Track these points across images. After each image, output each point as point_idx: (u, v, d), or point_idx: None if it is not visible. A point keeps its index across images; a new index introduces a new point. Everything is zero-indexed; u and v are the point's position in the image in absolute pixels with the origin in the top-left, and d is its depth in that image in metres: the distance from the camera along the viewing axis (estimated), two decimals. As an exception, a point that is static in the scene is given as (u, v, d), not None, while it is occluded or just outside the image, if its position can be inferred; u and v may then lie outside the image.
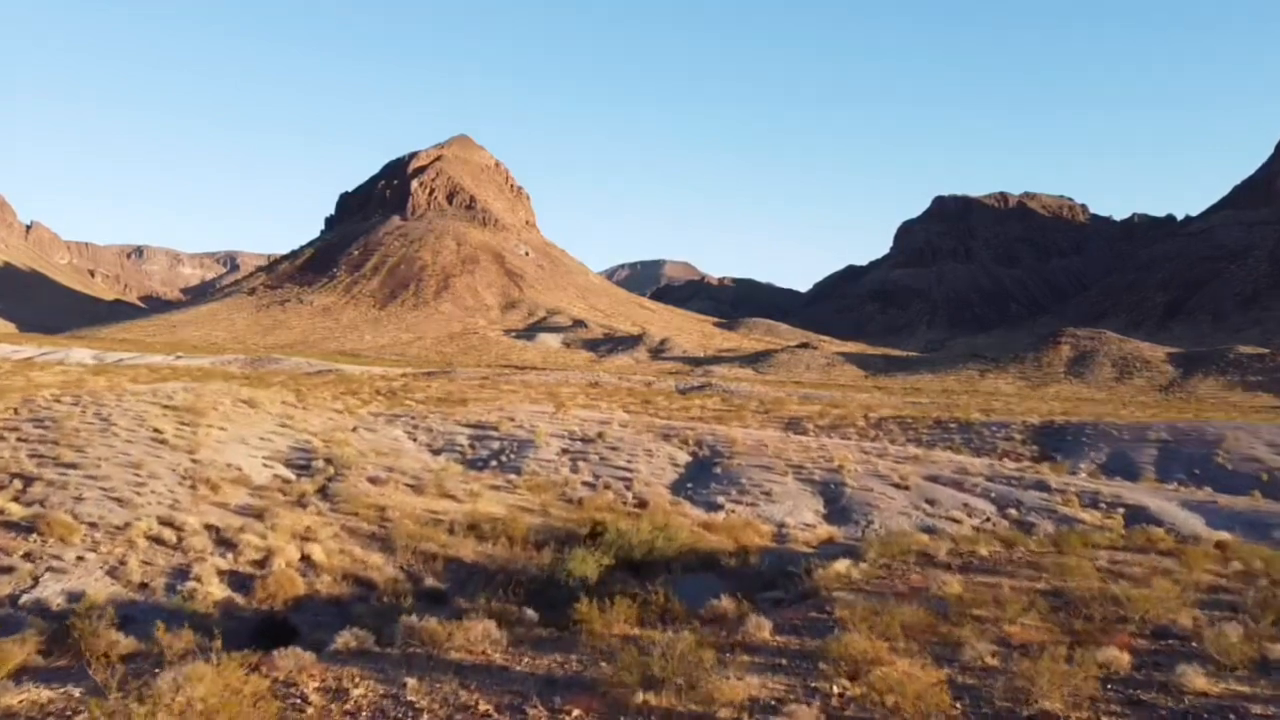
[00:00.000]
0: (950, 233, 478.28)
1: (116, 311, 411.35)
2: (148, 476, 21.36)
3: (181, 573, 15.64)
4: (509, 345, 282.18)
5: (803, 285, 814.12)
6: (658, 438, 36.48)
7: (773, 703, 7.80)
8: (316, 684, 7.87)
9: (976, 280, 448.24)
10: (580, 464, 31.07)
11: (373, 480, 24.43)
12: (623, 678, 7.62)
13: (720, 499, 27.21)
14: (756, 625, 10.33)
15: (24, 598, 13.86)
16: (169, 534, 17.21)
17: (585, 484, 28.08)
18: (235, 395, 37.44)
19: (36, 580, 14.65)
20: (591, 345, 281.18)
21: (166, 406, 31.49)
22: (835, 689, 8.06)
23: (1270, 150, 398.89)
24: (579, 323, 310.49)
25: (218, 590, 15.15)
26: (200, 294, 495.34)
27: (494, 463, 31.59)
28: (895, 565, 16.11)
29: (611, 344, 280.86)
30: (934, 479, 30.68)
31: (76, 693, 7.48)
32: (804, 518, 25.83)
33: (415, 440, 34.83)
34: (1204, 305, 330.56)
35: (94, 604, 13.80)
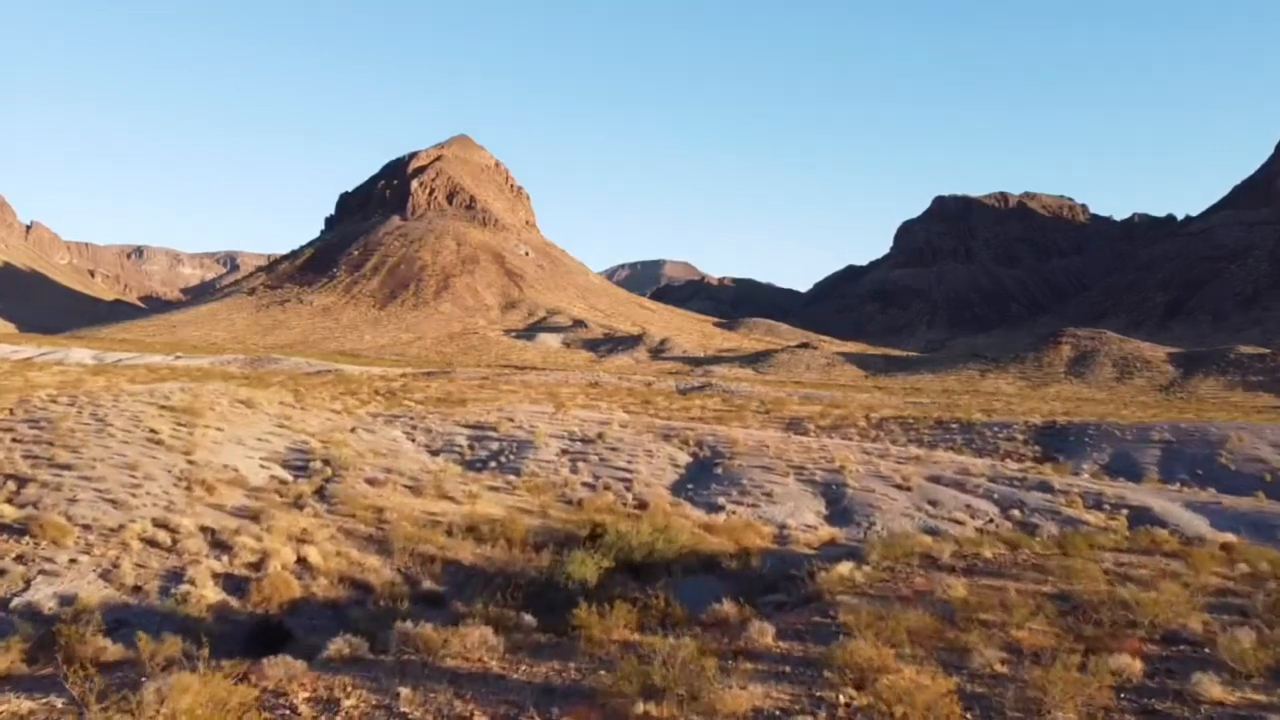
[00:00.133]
0: (950, 233, 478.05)
1: (116, 312, 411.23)
2: (143, 478, 21.15)
3: (176, 575, 15.42)
4: (509, 345, 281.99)
5: (803, 285, 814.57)
6: (658, 438, 36.26)
7: (777, 713, 7.59)
8: (307, 694, 7.65)
9: (977, 280, 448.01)
10: (580, 465, 30.86)
11: (371, 481, 24.22)
12: (622, 687, 7.39)
13: (721, 500, 27.00)
14: (759, 631, 10.10)
15: (15, 601, 13.64)
16: (164, 536, 16.99)
17: (585, 485, 27.87)
18: (233, 396, 37.23)
19: (28, 583, 14.43)
20: (591, 345, 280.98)
21: (163, 407, 31.27)
22: (841, 699, 7.84)
23: (1270, 150, 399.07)
24: (579, 323, 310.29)
25: (212, 593, 14.93)
26: (200, 294, 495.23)
27: (493, 464, 31.38)
28: (899, 568, 15.89)
29: (611, 344, 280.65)
30: (936, 480, 30.46)
31: (59, 703, 7.23)
32: (805, 519, 25.62)
33: (414, 441, 34.62)
34: (1204, 305, 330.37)
35: (86, 607, 13.60)
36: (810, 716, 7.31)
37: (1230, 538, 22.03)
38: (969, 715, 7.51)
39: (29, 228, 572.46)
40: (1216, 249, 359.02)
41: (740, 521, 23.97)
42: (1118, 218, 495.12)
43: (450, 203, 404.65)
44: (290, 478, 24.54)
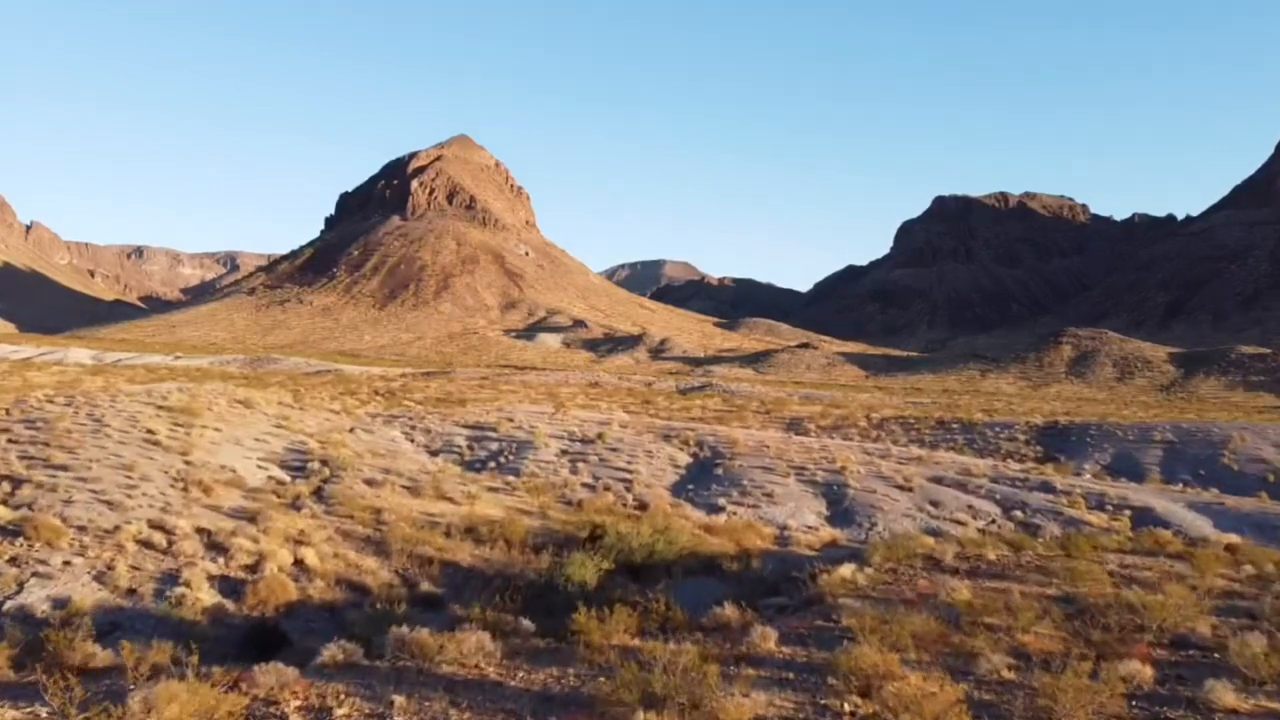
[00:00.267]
0: (951, 233, 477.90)
1: (116, 312, 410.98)
2: (139, 478, 20.96)
3: (171, 578, 15.26)
4: (509, 345, 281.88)
5: (803, 285, 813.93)
6: (658, 438, 36.10)
7: (781, 722, 7.41)
8: (299, 702, 7.46)
9: (977, 280, 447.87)
10: (580, 465, 30.69)
11: (369, 482, 24.05)
12: (622, 696, 7.20)
13: (721, 501, 26.84)
14: (762, 636, 9.92)
15: (7, 604, 13.47)
16: (159, 538, 16.81)
17: (585, 485, 27.71)
18: (231, 396, 37.06)
19: (21, 586, 14.26)
20: (591, 345, 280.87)
21: (160, 407, 31.10)
22: (847, 707, 7.65)
23: (1270, 150, 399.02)
24: (579, 323, 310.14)
25: (207, 596, 14.76)
26: (200, 294, 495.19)
27: (492, 464, 31.22)
28: (901, 570, 15.73)
29: (611, 344, 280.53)
30: (938, 480, 30.29)
31: (43, 713, 7.04)
32: (806, 520, 25.46)
33: (413, 441, 34.46)
34: (1205, 305, 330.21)
35: (79, 610, 13.42)
36: (815, 725, 7.13)
37: (1234, 539, 21.89)
38: (978, 724, 7.33)
39: (29, 228, 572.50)
40: (1217, 249, 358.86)
41: (741, 522, 23.81)
42: (1118, 218, 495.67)
43: (450, 203, 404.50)
44: (288, 478, 24.37)
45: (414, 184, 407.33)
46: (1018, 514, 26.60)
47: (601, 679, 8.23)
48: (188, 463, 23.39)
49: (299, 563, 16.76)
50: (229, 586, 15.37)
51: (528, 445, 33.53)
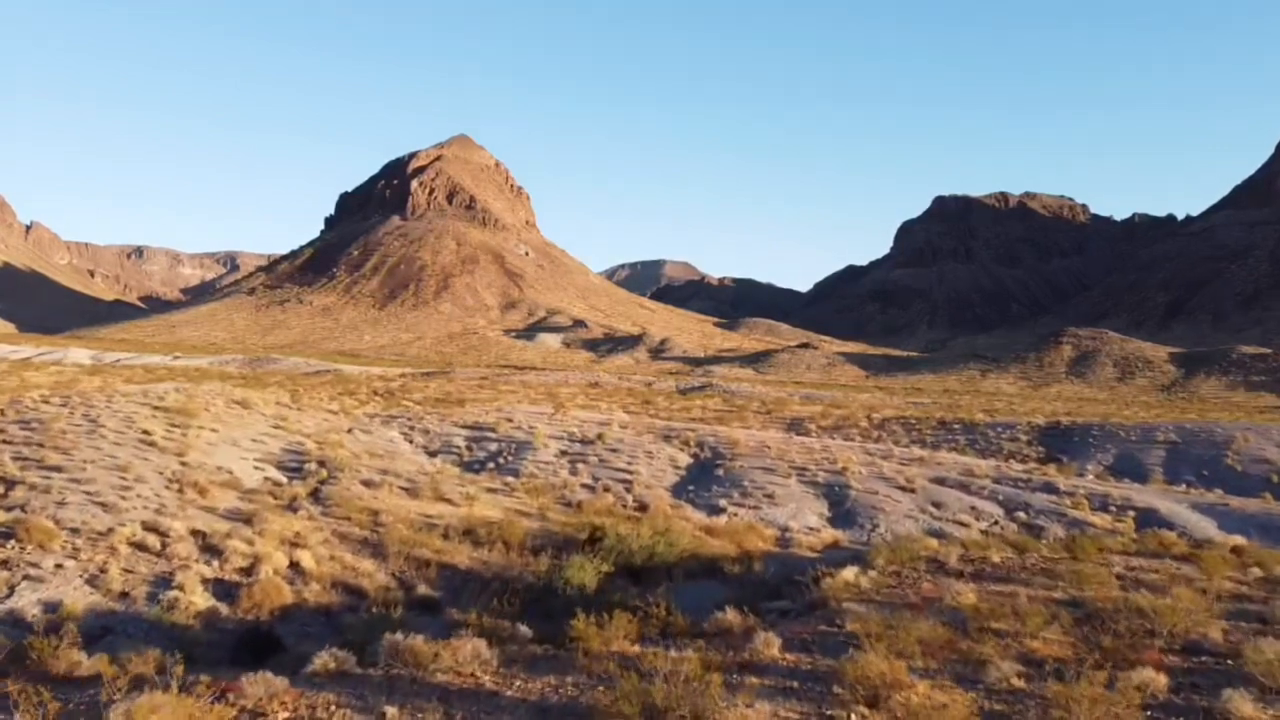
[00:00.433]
0: (951, 233, 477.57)
1: (116, 312, 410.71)
2: (134, 480, 20.75)
3: (164, 581, 15.05)
4: (509, 345, 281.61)
5: (803, 285, 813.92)
6: (658, 439, 35.86)
7: (786, 733, 7.18)
8: (287, 714, 7.23)
9: (977, 280, 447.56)
10: (579, 466, 30.47)
11: (366, 483, 23.83)
12: (622, 707, 6.96)
13: (722, 502, 26.62)
14: (765, 642, 9.68)
15: (-3, 608, 13.25)
16: (153, 540, 16.60)
17: (584, 486, 27.48)
18: (228, 396, 36.83)
19: (12, 589, 14.05)
20: (591, 345, 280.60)
21: (157, 408, 30.87)
22: (854, 718, 7.43)
23: (1270, 150, 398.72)
24: (579, 323, 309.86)
25: (201, 600, 14.54)
26: (200, 294, 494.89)
27: (491, 465, 31.00)
28: (905, 573, 15.49)
29: (611, 344, 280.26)
30: (940, 481, 30.07)
31: (24, 725, 6.85)
32: (808, 521, 25.24)
33: (411, 442, 34.23)
34: (1205, 305, 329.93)
35: (70, 614, 13.19)
36: (821, 738, 6.90)
37: (1240, 540, 21.66)
38: (990, 736, 7.09)
39: (29, 228, 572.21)
40: (1217, 249, 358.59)
41: (742, 524, 23.59)
42: (1118, 218, 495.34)
43: (450, 203, 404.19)
44: (285, 480, 24.15)
45: (414, 184, 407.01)
46: (1021, 515, 26.38)
47: (600, 688, 7.99)
48: (183, 464, 23.17)
49: (294, 565, 16.55)
50: (223, 590, 15.16)
51: (527, 446, 33.30)
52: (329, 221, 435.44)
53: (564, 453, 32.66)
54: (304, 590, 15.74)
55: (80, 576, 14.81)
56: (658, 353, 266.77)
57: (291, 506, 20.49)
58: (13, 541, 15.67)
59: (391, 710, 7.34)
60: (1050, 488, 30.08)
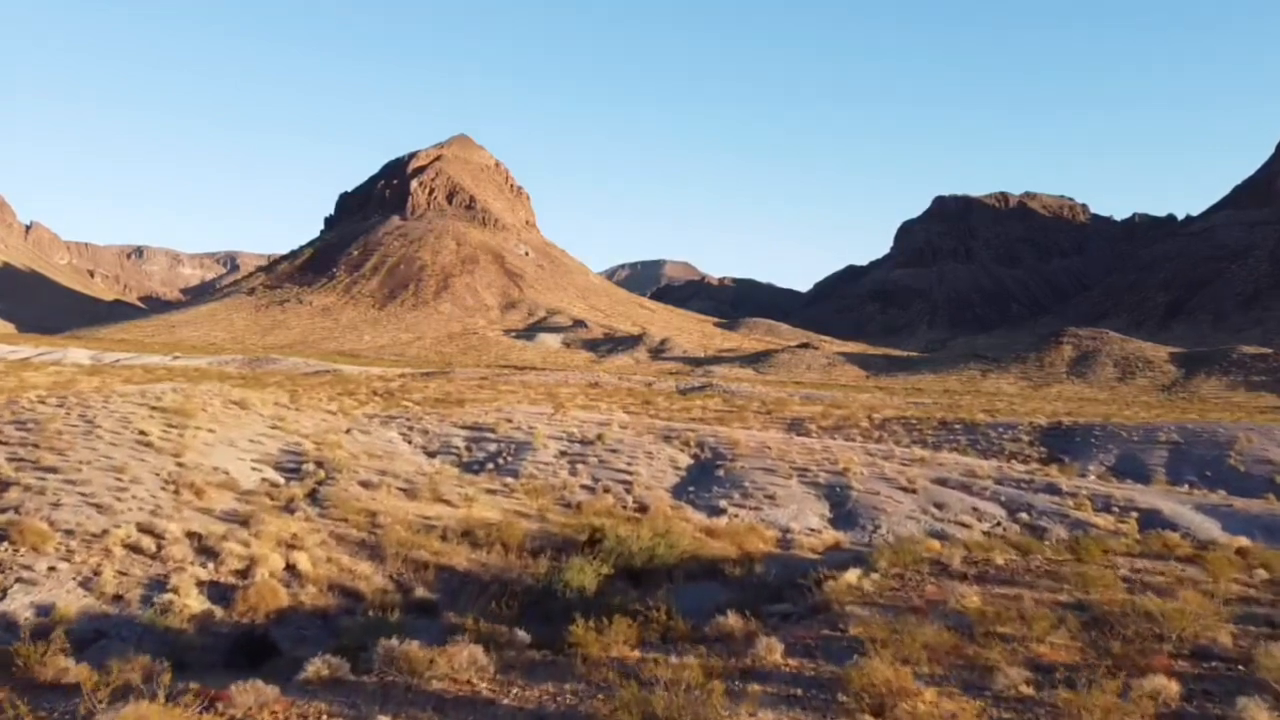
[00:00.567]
0: (951, 233, 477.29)
1: (116, 312, 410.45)
2: (130, 481, 20.57)
3: (159, 584, 14.88)
4: (509, 345, 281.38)
5: (803, 285, 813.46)
6: (658, 439, 35.68)
7: (790, 743, 6.99)
8: (279, 723, 7.07)
9: (977, 280, 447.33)
10: (579, 467, 30.29)
11: (364, 484, 23.66)
12: (621, 717, 6.79)
13: (723, 503, 26.44)
14: (767, 648, 9.50)
15: (-12, 611, 13.08)
16: (148, 542, 16.43)
17: (584, 487, 27.31)
18: (226, 396, 36.64)
19: (4, 592, 13.90)
20: (591, 345, 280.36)
21: (154, 408, 30.69)
22: (859, 727, 7.25)
23: (1270, 150, 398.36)
24: (579, 323, 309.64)
25: (196, 603, 14.38)
26: (200, 294, 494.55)
27: (490, 465, 30.82)
28: (908, 575, 15.32)
29: (611, 344, 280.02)
30: (942, 482, 29.89)
31: (4, 736, 6.66)
32: (809, 522, 25.07)
33: (410, 442, 34.05)
34: (1205, 305, 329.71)
35: (63, 618, 13.02)
36: (826, 748, 6.71)
37: (1245, 541, 21.51)
38: (999, 746, 6.91)
39: (29, 228, 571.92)
40: (1217, 249, 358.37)
41: (743, 525, 23.43)
42: (1118, 218, 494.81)
43: (450, 203, 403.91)
44: (282, 480, 23.97)
45: (414, 184, 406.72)
46: (1023, 516, 26.20)
47: (600, 697, 7.80)
48: (180, 465, 22.99)
49: (291, 568, 16.38)
50: (218, 592, 15.00)
51: (526, 446, 33.12)
52: (329, 221, 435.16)
53: (563, 453, 32.48)
54: (300, 593, 15.57)
55: (74, 579, 14.65)
56: (658, 353, 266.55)
57: (288, 508, 20.31)
58: (6, 543, 15.50)
59: (385, 719, 7.16)
60: (1053, 488, 29.90)
